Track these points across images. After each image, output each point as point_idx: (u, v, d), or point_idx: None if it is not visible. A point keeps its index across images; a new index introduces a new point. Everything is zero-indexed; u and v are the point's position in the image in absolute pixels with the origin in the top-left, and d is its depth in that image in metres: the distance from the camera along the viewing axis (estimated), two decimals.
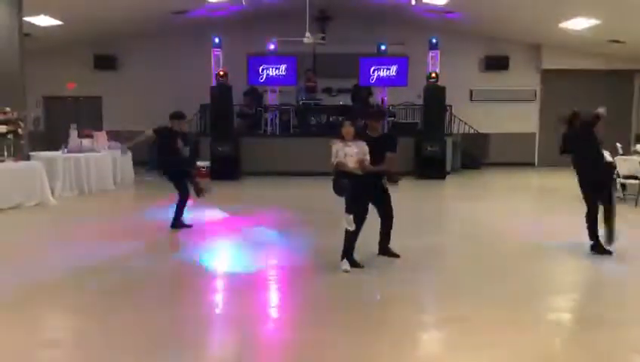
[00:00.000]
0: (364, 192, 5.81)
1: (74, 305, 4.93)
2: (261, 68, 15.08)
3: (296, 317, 4.76)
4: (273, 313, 4.88)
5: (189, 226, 7.91)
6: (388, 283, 5.66)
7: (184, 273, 5.98)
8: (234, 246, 7.19)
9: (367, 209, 5.97)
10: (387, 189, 6.21)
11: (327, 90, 16.07)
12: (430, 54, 14.93)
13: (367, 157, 5.70)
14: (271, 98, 15.63)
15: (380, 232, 6.41)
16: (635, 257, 6.60)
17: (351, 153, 5.66)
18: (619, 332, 4.35)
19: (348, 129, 5.72)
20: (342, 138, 5.73)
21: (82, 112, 17.35)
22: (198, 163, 14.30)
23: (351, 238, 5.80)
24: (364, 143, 5.75)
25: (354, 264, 5.86)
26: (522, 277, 5.88)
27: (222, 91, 14.29)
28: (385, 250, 6.42)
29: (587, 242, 6.61)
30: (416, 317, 4.72)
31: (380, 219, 6.35)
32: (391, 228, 6.37)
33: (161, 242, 7.45)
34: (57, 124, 16.50)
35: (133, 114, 16.84)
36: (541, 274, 6.04)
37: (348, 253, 5.84)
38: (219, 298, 5.28)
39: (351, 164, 5.65)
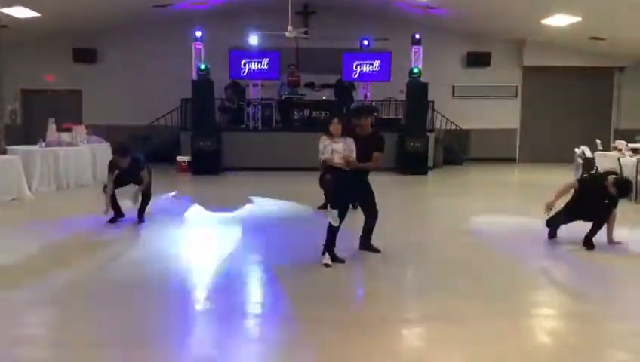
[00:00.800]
0: (347, 189, 5.85)
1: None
2: (243, 62, 14.94)
3: (278, 312, 4.71)
4: (255, 309, 4.82)
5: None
6: (370, 279, 5.63)
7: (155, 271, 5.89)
8: (211, 242, 7.10)
9: (348, 206, 6.01)
10: (371, 187, 6.22)
11: (310, 85, 16.00)
12: (413, 50, 14.93)
13: (354, 154, 5.74)
14: (253, 92, 15.52)
15: (363, 228, 6.40)
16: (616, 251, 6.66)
17: (338, 150, 5.70)
18: (599, 327, 4.38)
19: (336, 126, 5.76)
20: (330, 135, 5.77)
21: (61, 106, 17.01)
22: (179, 157, 14.24)
23: (333, 233, 5.80)
24: (352, 140, 5.78)
25: (335, 259, 5.84)
26: (503, 272, 5.90)
27: (203, 85, 14.17)
28: (366, 245, 6.41)
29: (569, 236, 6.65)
30: (397, 313, 4.71)
31: (364, 215, 6.35)
32: (374, 225, 6.36)
33: (128, 240, 7.35)
34: (35, 118, 16.20)
35: (113, 107, 16.68)
36: (522, 269, 6.07)
37: (329, 247, 5.84)
38: (198, 295, 5.20)
39: (337, 160, 5.70)
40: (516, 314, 4.65)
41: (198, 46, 14.54)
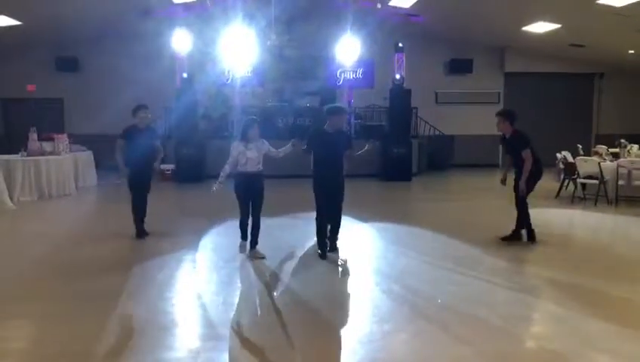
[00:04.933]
0: (323, 184, 6.45)
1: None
2: (227, 70, 14.93)
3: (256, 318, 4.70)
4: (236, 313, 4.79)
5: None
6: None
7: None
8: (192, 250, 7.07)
9: (327, 202, 6.52)
10: (343, 188, 6.65)
11: (296, 92, 16.00)
12: (396, 57, 15.02)
13: (272, 150, 6.52)
14: (238, 100, 15.49)
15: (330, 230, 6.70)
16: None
17: (252, 156, 6.31)
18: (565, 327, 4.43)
19: (255, 131, 6.35)
20: (246, 140, 6.29)
21: (43, 115, 16.88)
22: (163, 166, 14.13)
23: (320, 229, 6.53)
24: (263, 142, 6.43)
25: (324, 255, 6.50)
26: (487, 274, 5.94)
27: (186, 93, 14.12)
28: (331, 247, 6.71)
29: None
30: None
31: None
32: (338, 226, 6.73)
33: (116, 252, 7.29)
34: (17, 127, 16.07)
35: (95, 116, 16.51)
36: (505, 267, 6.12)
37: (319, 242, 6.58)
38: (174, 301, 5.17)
39: (252, 166, 6.32)
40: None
41: (180, 55, 14.47)
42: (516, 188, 7.23)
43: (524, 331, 4.50)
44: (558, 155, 11.79)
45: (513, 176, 7.32)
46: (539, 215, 9.57)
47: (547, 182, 12.86)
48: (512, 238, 7.33)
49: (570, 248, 7.42)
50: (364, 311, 4.88)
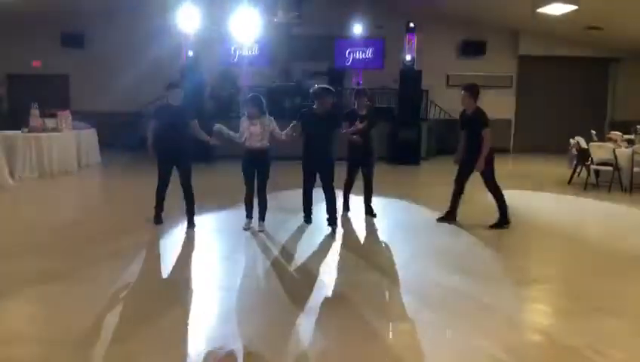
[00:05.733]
0: (310, 162, 6.74)
1: None
2: (233, 48, 14.65)
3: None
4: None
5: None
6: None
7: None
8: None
9: (312, 178, 6.82)
10: (331, 167, 6.76)
11: (305, 73, 15.70)
12: (407, 38, 14.66)
13: (277, 130, 6.64)
14: (244, 79, 15.22)
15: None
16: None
17: (255, 132, 6.45)
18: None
19: (251, 109, 6.47)
20: (249, 117, 6.45)
21: (49, 91, 16.68)
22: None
23: (304, 198, 7.00)
24: (270, 120, 6.59)
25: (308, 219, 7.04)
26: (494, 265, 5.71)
27: (192, 72, 13.85)
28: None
29: None
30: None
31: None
32: (333, 203, 6.80)
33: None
34: (22, 103, 15.86)
35: (101, 93, 16.34)
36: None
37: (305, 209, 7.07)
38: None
39: (255, 141, 6.48)
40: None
41: (186, 32, 14.17)
42: (465, 167, 7.16)
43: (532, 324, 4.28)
44: (572, 141, 11.45)
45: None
46: (548, 202, 9.43)
47: (559, 168, 12.65)
48: (500, 225, 7.11)
49: (575, 241, 7.13)
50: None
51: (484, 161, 6.96)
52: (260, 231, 6.63)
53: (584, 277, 5.45)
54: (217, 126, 6.57)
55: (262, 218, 6.75)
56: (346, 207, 7.79)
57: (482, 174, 7.11)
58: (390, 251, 6.16)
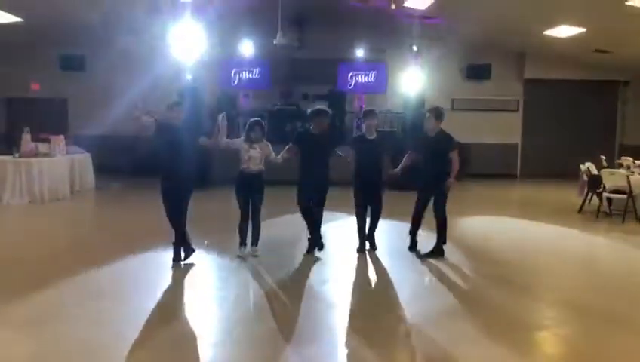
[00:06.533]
0: (306, 185, 6.66)
1: None
2: (234, 71, 14.38)
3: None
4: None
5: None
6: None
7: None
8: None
9: (309, 205, 6.74)
10: (326, 191, 6.74)
11: (305, 96, 15.41)
12: (410, 62, 14.35)
13: (273, 155, 6.65)
14: (244, 102, 14.93)
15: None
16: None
17: (254, 155, 6.47)
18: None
19: (256, 133, 6.51)
20: (250, 141, 6.48)
21: (47, 115, 16.48)
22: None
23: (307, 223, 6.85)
24: (267, 145, 6.60)
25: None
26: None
27: (192, 95, 13.55)
28: (308, 248, 6.87)
29: None
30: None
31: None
32: (318, 227, 6.83)
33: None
34: (20, 127, 15.63)
35: (99, 116, 16.02)
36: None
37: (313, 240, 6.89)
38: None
39: (254, 165, 6.48)
40: None
41: (185, 55, 13.88)
42: (427, 193, 6.98)
43: None
44: (582, 167, 11.02)
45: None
46: (557, 237, 8.77)
47: (569, 195, 12.19)
48: (436, 254, 6.82)
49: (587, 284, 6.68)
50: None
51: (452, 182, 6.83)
52: (254, 256, 6.56)
53: (596, 330, 4.81)
54: (223, 116, 6.48)
55: (255, 243, 6.68)
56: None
57: (435, 198, 6.85)
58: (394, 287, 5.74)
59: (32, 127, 12.61)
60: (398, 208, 7.89)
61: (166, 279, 5.86)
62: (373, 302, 5.30)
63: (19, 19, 13.08)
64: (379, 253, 7.05)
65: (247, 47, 14.62)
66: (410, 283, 6.00)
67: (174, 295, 5.44)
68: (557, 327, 4.73)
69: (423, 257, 6.82)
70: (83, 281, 5.65)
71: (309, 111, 6.88)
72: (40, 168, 10.45)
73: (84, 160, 12.47)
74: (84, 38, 15.89)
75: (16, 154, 10.61)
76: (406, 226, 7.26)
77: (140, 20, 14.20)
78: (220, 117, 6.48)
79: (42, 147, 11.24)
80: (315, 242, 6.87)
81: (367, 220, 7.08)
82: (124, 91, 15.76)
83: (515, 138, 17.65)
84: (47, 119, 16.01)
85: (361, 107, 15.28)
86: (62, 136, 11.86)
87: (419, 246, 7.08)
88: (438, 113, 7.06)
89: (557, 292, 5.79)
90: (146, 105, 6.48)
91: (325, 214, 6.99)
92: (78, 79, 16.55)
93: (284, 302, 5.18)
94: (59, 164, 11.01)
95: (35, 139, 11.33)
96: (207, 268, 6.42)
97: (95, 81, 16.42)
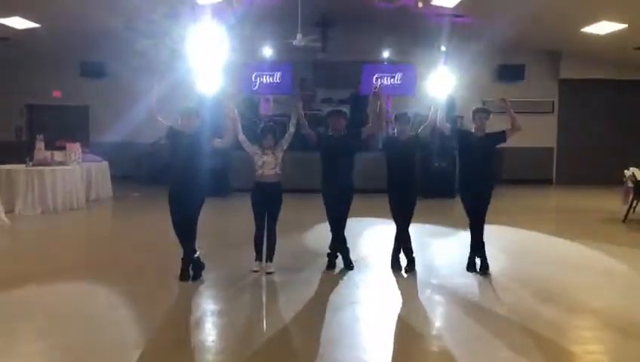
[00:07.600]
0: (328, 190, 6.36)
1: None
2: (254, 75, 13.92)
3: None
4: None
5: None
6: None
7: None
8: None
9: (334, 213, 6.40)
10: (349, 197, 6.37)
11: (327, 100, 14.87)
12: (440, 62, 13.68)
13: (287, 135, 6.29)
14: (265, 107, 14.45)
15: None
16: None
17: (268, 161, 6.15)
18: None
19: (268, 141, 6.18)
20: (262, 147, 6.17)
21: (68, 122, 16.38)
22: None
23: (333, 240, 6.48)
24: (281, 147, 6.22)
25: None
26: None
27: (213, 100, 13.14)
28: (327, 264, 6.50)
29: None
30: None
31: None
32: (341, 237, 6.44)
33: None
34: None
35: (119, 123, 15.76)
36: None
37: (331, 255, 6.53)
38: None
39: (269, 169, 6.15)
40: None
41: (205, 60, 13.51)
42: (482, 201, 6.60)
43: None
44: (626, 172, 10.22)
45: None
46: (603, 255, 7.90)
47: (610, 202, 11.36)
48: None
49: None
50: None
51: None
52: (268, 272, 6.16)
53: None
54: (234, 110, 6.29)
55: (270, 258, 6.26)
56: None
57: (483, 206, 6.54)
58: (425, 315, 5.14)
59: (53, 134, 12.42)
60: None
61: (171, 297, 5.38)
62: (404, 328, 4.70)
63: (36, 25, 12.86)
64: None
65: (268, 51, 14.17)
66: (445, 309, 5.37)
67: (179, 318, 4.93)
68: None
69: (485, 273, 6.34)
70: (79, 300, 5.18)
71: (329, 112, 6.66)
72: (53, 177, 10.10)
73: (100, 168, 12.15)
74: (104, 44, 15.70)
75: (30, 163, 10.29)
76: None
77: (161, 24, 13.97)
78: (232, 110, 6.26)
79: (58, 155, 10.95)
80: (345, 261, 6.48)
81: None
82: (143, 97, 15.54)
83: (551, 141, 16.83)
84: (69, 126, 15.89)
85: (387, 111, 14.70)
86: (78, 144, 11.57)
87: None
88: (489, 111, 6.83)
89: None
90: (160, 105, 6.24)
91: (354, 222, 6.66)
92: (98, 86, 16.38)
93: (301, 323, 4.66)
94: (73, 173, 10.66)
95: (51, 146, 11.06)
96: (217, 284, 5.90)
97: (115, 88, 16.19)
